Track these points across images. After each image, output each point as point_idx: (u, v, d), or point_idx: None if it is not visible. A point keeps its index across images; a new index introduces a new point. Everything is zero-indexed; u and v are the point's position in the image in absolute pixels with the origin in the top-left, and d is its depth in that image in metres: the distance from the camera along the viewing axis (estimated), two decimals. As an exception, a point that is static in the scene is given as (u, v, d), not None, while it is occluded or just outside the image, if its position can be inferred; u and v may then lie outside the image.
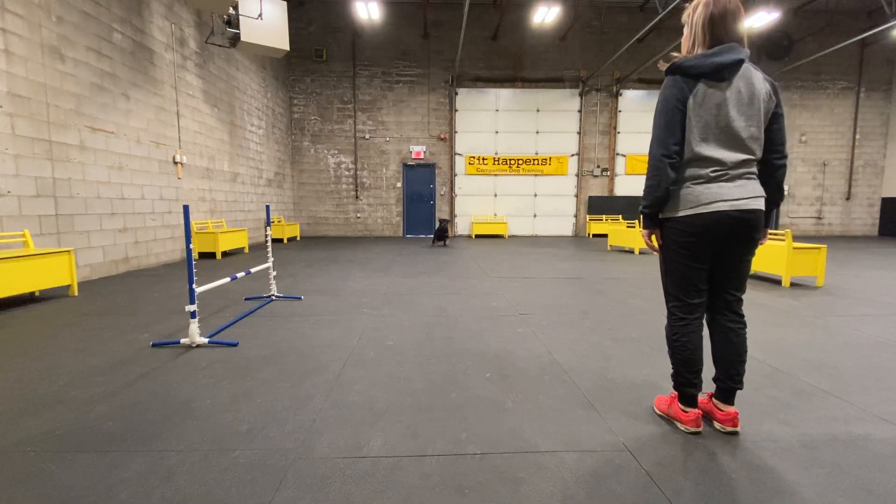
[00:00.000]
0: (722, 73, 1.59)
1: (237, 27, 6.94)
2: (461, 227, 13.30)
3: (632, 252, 8.62)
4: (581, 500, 1.38)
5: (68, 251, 4.37)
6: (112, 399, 2.08)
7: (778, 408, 2.00)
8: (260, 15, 7.03)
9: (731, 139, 1.62)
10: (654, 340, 3.01)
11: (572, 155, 13.15)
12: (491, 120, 12.94)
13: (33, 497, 1.38)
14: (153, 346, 2.85)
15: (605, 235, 12.88)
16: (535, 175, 13.17)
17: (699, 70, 1.59)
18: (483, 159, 13.03)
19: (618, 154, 13.21)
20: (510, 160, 13.05)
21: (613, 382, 2.29)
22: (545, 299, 4.29)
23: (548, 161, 13.10)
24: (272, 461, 1.58)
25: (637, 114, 13.10)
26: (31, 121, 4.54)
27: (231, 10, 6.76)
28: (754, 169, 1.68)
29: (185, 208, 2.71)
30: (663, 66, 1.70)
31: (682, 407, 1.81)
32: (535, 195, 13.28)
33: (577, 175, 13.18)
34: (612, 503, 1.37)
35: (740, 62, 1.58)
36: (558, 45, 12.73)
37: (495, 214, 13.31)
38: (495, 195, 13.24)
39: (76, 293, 4.45)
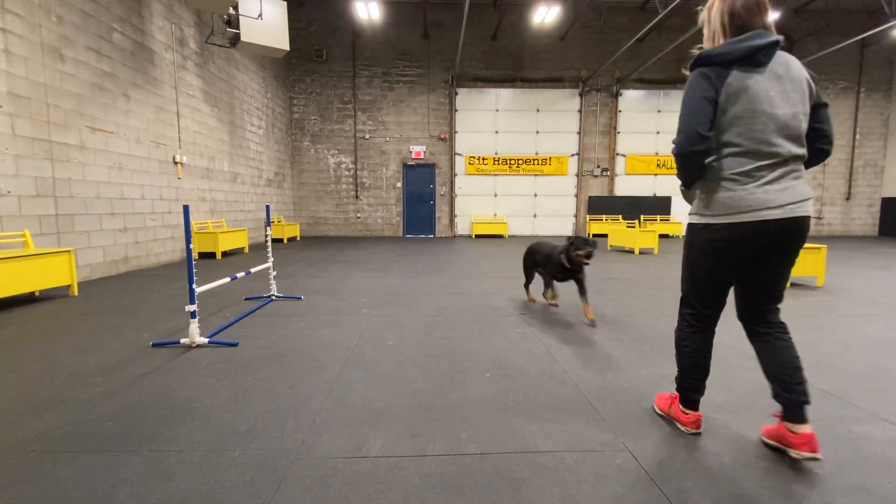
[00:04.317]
0: (757, 57, 1.42)
1: (237, 27, 6.94)
2: (461, 227, 13.30)
3: (632, 252, 8.62)
4: (581, 500, 1.38)
5: (68, 251, 4.37)
6: (112, 399, 2.08)
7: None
8: (260, 15, 7.03)
9: (776, 130, 1.43)
10: (654, 341, 3.01)
11: (572, 155, 13.15)
12: (491, 120, 12.94)
13: (33, 497, 1.38)
14: (153, 346, 2.85)
15: (606, 235, 12.88)
16: (535, 175, 13.17)
17: (731, 56, 1.43)
18: (483, 159, 13.03)
19: (618, 154, 13.21)
20: (510, 160, 13.05)
21: (613, 382, 2.29)
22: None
23: (548, 161, 13.10)
24: (272, 461, 1.58)
25: (637, 114, 13.10)
26: (31, 121, 4.54)
27: (231, 10, 6.76)
28: (801, 167, 1.49)
29: (185, 208, 2.71)
30: (686, 71, 1.56)
31: (683, 409, 1.78)
32: (535, 195, 13.27)
33: (577, 175, 13.18)
34: (612, 503, 1.37)
35: (776, 44, 1.42)
36: (558, 45, 12.72)
37: (495, 214, 13.31)
38: (495, 195, 13.24)
39: (76, 293, 4.45)
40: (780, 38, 1.42)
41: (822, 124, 1.51)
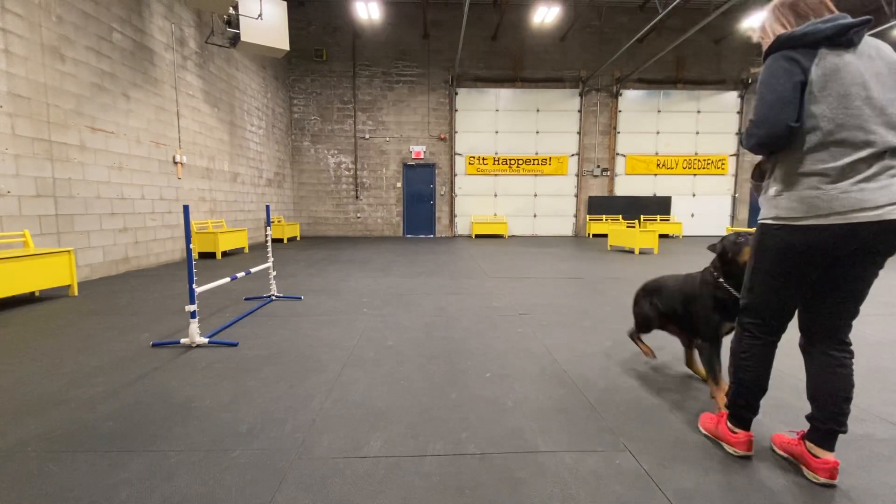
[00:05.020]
0: (849, 36, 1.28)
1: (237, 27, 6.93)
2: (461, 227, 13.30)
3: (632, 252, 8.62)
4: (581, 500, 1.38)
5: (68, 251, 4.37)
6: (112, 399, 2.08)
7: (778, 408, 2.00)
8: (260, 15, 7.03)
9: (872, 115, 1.27)
10: (654, 342, 3.00)
11: (572, 155, 13.15)
12: (491, 120, 12.94)
13: (33, 497, 1.38)
14: (153, 346, 2.85)
15: (605, 235, 12.88)
16: (535, 175, 13.17)
17: (819, 35, 1.28)
18: (483, 159, 13.03)
19: (618, 154, 13.21)
20: (510, 160, 13.05)
21: (613, 382, 2.29)
22: (545, 299, 4.29)
23: (548, 161, 13.10)
24: (272, 461, 1.58)
25: (637, 114, 13.10)
26: (31, 121, 4.54)
27: (231, 10, 6.76)
28: None
29: (185, 208, 2.71)
30: (756, 69, 1.47)
31: (731, 427, 1.61)
32: (535, 195, 13.27)
33: (577, 175, 13.18)
34: (612, 503, 1.37)
35: (867, 22, 1.29)
36: (558, 45, 12.72)
37: (495, 214, 13.31)
38: (495, 195, 13.24)
39: (76, 293, 4.44)
40: (871, 18, 1.30)
41: None
